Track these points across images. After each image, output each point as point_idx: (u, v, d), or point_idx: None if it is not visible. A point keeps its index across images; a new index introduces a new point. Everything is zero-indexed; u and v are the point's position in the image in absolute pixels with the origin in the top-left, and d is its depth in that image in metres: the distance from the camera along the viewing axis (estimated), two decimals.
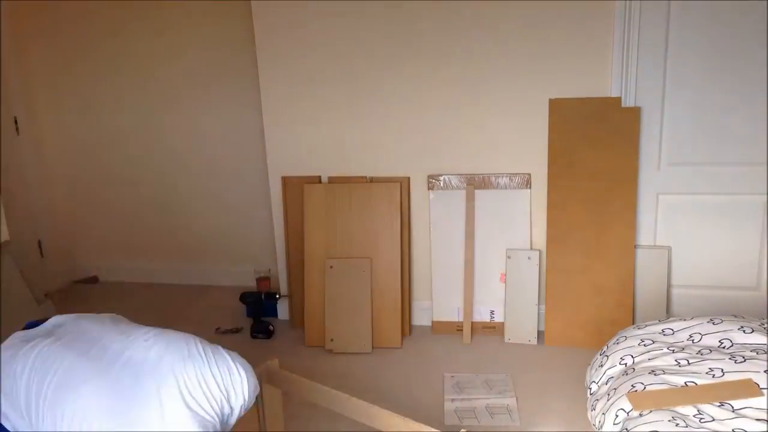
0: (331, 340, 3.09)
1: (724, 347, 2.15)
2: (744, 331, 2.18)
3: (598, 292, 2.99)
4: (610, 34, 2.82)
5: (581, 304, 3.01)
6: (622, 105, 2.87)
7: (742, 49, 2.75)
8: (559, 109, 2.92)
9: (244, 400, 1.64)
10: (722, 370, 1.99)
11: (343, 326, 3.11)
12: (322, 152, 3.21)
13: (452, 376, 2.78)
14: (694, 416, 1.83)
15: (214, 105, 3.70)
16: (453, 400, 2.60)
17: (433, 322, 3.24)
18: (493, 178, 3.07)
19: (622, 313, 2.95)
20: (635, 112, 2.86)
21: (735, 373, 1.96)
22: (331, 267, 3.11)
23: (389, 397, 2.66)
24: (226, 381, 1.60)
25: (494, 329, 3.18)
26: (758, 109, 2.80)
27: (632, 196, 2.91)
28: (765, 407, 1.80)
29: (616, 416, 1.97)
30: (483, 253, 3.14)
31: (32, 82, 3.81)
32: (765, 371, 1.93)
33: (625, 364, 2.20)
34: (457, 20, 2.92)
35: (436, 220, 3.16)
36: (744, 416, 1.80)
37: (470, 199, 3.09)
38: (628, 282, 2.96)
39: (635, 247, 2.98)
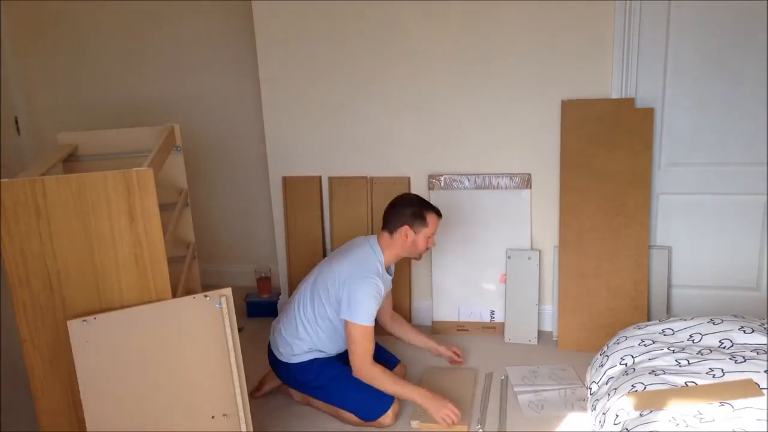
0: None
1: (724, 347, 2.16)
2: (744, 331, 2.18)
3: (613, 295, 2.93)
4: (611, 35, 2.81)
5: (595, 307, 2.95)
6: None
7: (743, 50, 2.75)
8: (571, 110, 2.88)
9: None
10: (722, 370, 1.99)
11: None
12: (322, 152, 3.21)
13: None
14: (694, 416, 1.83)
15: (213, 104, 3.69)
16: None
17: (433, 321, 3.24)
18: (494, 178, 3.07)
19: (637, 316, 2.89)
20: (649, 113, 2.84)
21: (735, 373, 1.96)
22: None
23: None
24: None
25: (494, 329, 3.18)
26: (758, 109, 2.80)
27: (646, 197, 2.88)
28: (765, 407, 1.80)
29: (617, 416, 1.97)
30: (483, 253, 3.14)
31: (33, 82, 3.80)
32: (765, 371, 1.93)
33: (626, 364, 2.20)
34: (457, 21, 2.92)
35: None
36: (744, 416, 1.80)
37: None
38: (641, 283, 2.92)
39: (649, 248, 2.94)
